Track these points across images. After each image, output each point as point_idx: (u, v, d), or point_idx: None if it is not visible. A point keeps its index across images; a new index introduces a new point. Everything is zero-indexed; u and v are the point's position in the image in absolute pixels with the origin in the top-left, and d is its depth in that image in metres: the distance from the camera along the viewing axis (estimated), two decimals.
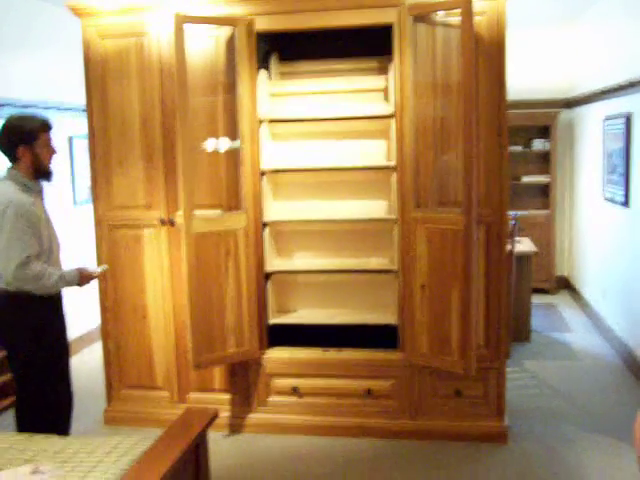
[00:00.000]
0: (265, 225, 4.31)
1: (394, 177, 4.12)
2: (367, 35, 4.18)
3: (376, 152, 4.38)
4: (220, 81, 4.17)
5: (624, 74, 5.42)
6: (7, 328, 3.44)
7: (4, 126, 3.42)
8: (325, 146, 4.46)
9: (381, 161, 4.33)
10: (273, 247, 4.47)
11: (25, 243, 3.29)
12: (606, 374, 5.31)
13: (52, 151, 3.52)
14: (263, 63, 4.35)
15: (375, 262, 4.42)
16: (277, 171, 4.41)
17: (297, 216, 4.45)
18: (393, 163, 4.12)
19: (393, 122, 4.11)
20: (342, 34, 4.23)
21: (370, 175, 4.39)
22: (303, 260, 4.56)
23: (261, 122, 4.26)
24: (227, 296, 4.16)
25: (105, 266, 3.96)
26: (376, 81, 4.34)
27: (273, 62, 4.46)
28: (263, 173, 4.27)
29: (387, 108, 4.19)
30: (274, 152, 4.45)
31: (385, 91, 4.30)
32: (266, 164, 4.29)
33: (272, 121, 4.39)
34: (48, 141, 3.48)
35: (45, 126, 3.46)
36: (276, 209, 4.48)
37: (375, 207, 4.39)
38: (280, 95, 4.46)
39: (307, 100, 4.43)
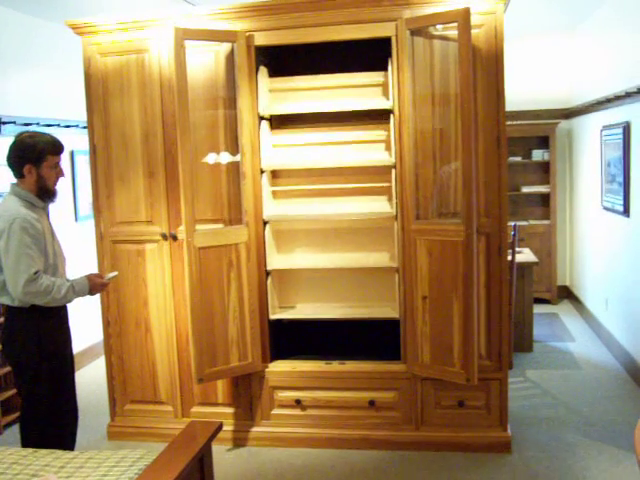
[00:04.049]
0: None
1: (393, 188, 4.15)
2: (364, 48, 4.19)
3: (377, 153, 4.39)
4: (220, 95, 4.20)
5: (621, 84, 5.46)
6: (12, 343, 3.44)
7: (15, 142, 3.42)
8: (326, 138, 4.47)
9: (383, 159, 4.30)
10: (274, 249, 4.48)
11: (32, 258, 3.28)
12: (609, 383, 5.31)
13: (59, 174, 3.50)
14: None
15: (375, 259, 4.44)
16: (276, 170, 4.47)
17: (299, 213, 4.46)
18: (393, 160, 4.13)
19: (392, 127, 4.12)
20: (339, 47, 4.22)
21: (372, 173, 4.40)
22: (305, 259, 4.57)
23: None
24: (230, 309, 4.18)
25: (115, 272, 3.95)
26: (375, 78, 4.30)
27: (261, 77, 4.25)
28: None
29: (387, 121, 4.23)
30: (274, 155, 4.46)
31: (384, 87, 4.26)
32: (266, 176, 4.33)
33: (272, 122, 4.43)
34: (56, 164, 3.46)
35: (55, 148, 3.45)
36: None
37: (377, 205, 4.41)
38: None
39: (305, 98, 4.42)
